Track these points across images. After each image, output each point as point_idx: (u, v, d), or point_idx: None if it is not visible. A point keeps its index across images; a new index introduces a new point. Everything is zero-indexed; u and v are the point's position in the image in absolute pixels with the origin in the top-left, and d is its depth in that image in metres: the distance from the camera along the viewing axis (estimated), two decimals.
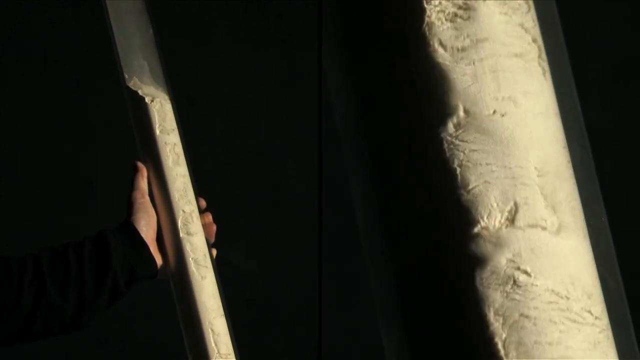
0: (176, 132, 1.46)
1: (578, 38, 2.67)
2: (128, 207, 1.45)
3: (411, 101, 1.23)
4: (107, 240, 1.40)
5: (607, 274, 1.26)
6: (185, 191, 1.45)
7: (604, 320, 1.22)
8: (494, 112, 1.21)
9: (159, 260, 1.44)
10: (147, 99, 1.43)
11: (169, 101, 1.46)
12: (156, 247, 1.44)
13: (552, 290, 1.18)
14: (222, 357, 1.41)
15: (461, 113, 1.21)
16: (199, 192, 1.49)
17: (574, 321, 1.19)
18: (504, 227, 1.19)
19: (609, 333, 1.22)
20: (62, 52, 2.81)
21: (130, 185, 1.46)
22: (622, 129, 2.76)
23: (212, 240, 1.49)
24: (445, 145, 1.20)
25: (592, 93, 2.71)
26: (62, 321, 1.38)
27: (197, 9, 2.85)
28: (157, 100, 1.45)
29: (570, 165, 1.27)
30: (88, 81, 2.81)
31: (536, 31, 1.26)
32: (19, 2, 2.80)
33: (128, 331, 2.80)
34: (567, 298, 1.19)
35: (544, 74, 1.24)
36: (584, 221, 1.26)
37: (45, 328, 1.38)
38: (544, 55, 1.25)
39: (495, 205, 1.19)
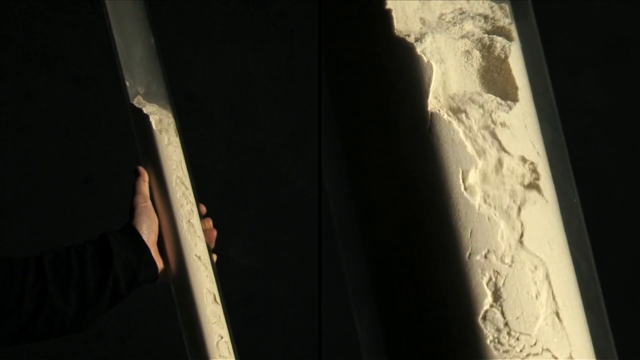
0: (177, 140, 1.47)
1: (569, 16, 2.67)
2: (130, 211, 1.45)
3: (379, 80, 1.25)
4: (109, 243, 1.40)
5: (580, 256, 1.26)
6: (186, 196, 1.46)
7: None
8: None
9: (160, 264, 1.44)
10: (150, 117, 1.44)
11: (171, 114, 1.47)
12: (157, 251, 1.45)
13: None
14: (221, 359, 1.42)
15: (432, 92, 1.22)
16: (199, 193, 1.50)
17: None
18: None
19: None
20: (63, 49, 2.81)
21: (132, 190, 1.46)
22: (615, 107, 2.77)
23: (213, 245, 1.49)
24: (416, 124, 1.22)
25: (583, 71, 2.72)
26: (63, 323, 1.38)
27: (198, 5, 2.84)
28: (159, 116, 1.46)
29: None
30: (88, 78, 2.81)
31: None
32: (19, 1, 2.80)
33: (128, 328, 2.81)
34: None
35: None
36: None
37: (46, 329, 1.38)
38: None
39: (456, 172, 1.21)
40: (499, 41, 1.25)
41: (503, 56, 1.25)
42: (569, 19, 2.67)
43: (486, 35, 1.26)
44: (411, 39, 1.23)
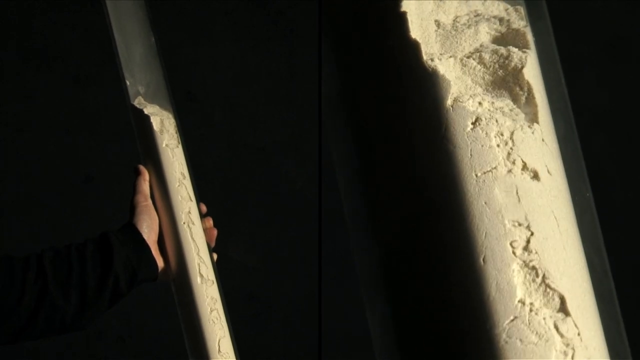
0: (178, 140, 1.47)
1: (571, 16, 2.67)
2: (130, 210, 1.45)
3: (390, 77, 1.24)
4: (109, 241, 1.40)
5: (592, 250, 1.26)
6: (187, 195, 1.46)
7: None
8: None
9: (160, 263, 1.44)
10: (151, 118, 1.44)
11: (171, 115, 1.47)
12: (157, 250, 1.45)
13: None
14: (222, 359, 1.42)
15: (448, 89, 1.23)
16: (199, 192, 1.50)
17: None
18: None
19: None
20: (62, 49, 2.81)
21: (133, 189, 1.46)
22: (614, 106, 2.77)
23: (213, 244, 1.49)
24: (431, 125, 1.22)
25: (584, 70, 2.72)
26: (63, 321, 1.38)
27: (198, 5, 2.85)
28: (160, 117, 1.46)
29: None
30: (88, 78, 2.81)
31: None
32: (19, 0, 2.80)
33: (128, 327, 2.81)
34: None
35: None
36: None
37: (46, 327, 1.38)
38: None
39: (470, 172, 1.21)
40: (516, 52, 1.26)
41: (520, 66, 1.25)
42: (569, 18, 2.67)
43: (502, 47, 1.26)
44: (427, 54, 1.23)
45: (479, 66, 1.25)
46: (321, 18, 1.28)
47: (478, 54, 1.25)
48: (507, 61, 1.25)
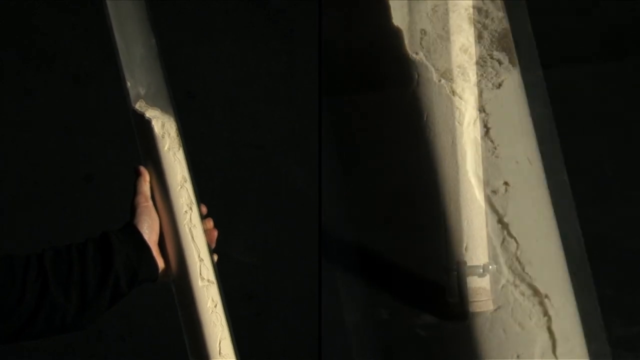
0: (179, 143, 1.47)
1: (571, 13, 2.67)
2: (131, 211, 1.45)
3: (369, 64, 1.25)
4: (110, 241, 1.41)
5: (569, 232, 1.27)
6: (188, 199, 1.46)
7: None
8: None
9: (160, 264, 1.45)
10: (153, 122, 1.44)
11: (172, 118, 1.47)
12: (158, 251, 1.45)
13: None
14: (222, 359, 1.43)
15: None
16: (199, 191, 1.50)
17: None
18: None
19: None
20: (62, 48, 2.81)
21: (133, 189, 1.47)
22: (612, 104, 2.77)
23: (213, 245, 1.50)
24: (410, 108, 1.23)
25: (583, 69, 2.72)
26: (63, 321, 1.38)
27: (198, 4, 2.85)
28: (162, 121, 1.46)
29: None
30: (88, 76, 2.81)
31: None
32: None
33: (129, 327, 2.81)
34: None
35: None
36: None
37: (47, 327, 1.38)
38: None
39: (452, 160, 1.21)
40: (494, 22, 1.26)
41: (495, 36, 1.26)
42: (567, 15, 2.67)
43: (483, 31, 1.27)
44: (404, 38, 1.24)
45: (461, 55, 1.25)
46: (321, 18, 1.29)
47: (460, 42, 1.26)
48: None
